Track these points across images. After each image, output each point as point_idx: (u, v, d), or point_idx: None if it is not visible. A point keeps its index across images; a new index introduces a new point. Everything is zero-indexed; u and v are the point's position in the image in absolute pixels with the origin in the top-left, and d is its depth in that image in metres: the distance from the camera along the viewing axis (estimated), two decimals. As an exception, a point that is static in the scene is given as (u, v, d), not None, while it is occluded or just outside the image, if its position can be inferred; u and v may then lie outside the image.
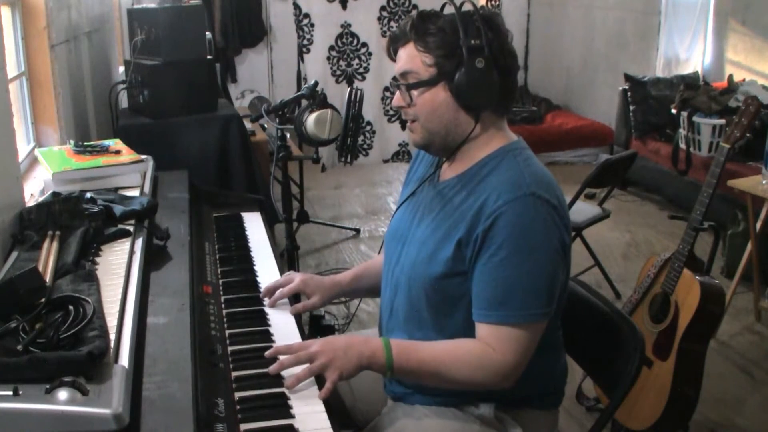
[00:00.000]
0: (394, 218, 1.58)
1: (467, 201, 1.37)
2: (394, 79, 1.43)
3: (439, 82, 1.36)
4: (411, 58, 1.37)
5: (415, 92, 1.38)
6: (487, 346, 1.33)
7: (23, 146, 2.33)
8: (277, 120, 2.31)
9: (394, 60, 1.43)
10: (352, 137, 2.45)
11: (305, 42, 4.12)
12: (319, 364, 1.31)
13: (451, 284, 1.38)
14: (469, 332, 1.38)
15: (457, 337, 1.40)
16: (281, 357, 1.35)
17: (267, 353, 1.37)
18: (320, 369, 1.31)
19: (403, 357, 1.34)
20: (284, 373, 1.34)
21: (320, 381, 1.33)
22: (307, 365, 1.32)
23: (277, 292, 1.64)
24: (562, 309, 1.47)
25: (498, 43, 1.36)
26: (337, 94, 4.08)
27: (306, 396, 1.30)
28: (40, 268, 1.32)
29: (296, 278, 1.66)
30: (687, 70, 5.27)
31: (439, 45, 1.34)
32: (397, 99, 1.42)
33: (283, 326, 1.56)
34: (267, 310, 1.62)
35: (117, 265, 1.46)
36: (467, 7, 1.37)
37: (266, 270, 1.84)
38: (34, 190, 1.96)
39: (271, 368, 1.33)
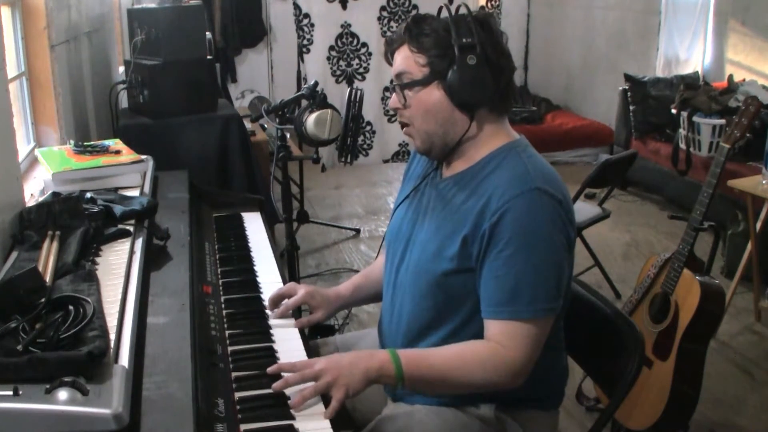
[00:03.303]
0: (394, 218, 1.58)
1: (471, 198, 1.37)
2: (392, 82, 1.45)
3: (432, 81, 1.37)
4: (405, 59, 1.39)
5: (409, 93, 1.39)
6: (497, 345, 1.32)
7: (23, 146, 2.33)
8: (277, 120, 2.31)
9: (391, 64, 1.45)
10: (352, 137, 2.45)
11: (305, 42, 4.12)
12: (324, 383, 1.28)
13: (455, 281, 1.38)
14: (473, 330, 1.38)
15: (460, 335, 1.40)
16: (285, 374, 1.32)
17: (270, 370, 1.33)
18: (326, 387, 1.28)
19: (413, 366, 1.32)
20: (289, 391, 1.30)
21: (325, 397, 1.29)
22: (312, 383, 1.28)
23: (282, 306, 1.62)
24: (565, 309, 1.47)
25: (491, 42, 1.36)
26: (337, 94, 4.08)
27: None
28: (40, 268, 1.32)
29: (300, 290, 1.63)
30: (687, 70, 5.27)
31: (433, 45, 1.36)
32: (394, 101, 1.44)
33: (282, 327, 1.56)
34: (267, 310, 1.62)
35: (117, 265, 1.46)
36: (462, 11, 1.39)
37: (266, 270, 1.84)
38: (34, 190, 1.96)
39: (275, 385, 1.29)
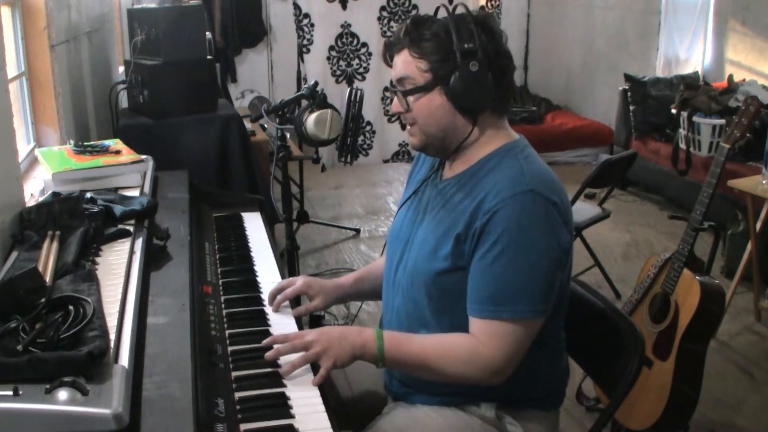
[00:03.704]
0: (395, 219, 1.59)
1: (467, 198, 1.38)
2: (392, 84, 1.44)
3: (434, 87, 1.37)
4: (406, 64, 1.38)
5: (411, 98, 1.39)
6: (477, 342, 1.33)
7: (23, 146, 2.33)
8: (277, 120, 2.31)
9: (390, 66, 1.44)
10: (352, 137, 2.45)
11: (305, 42, 4.12)
12: (314, 352, 1.34)
13: (451, 280, 1.38)
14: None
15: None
16: (277, 345, 1.38)
17: (264, 341, 1.40)
18: (315, 357, 1.34)
19: (394, 348, 1.37)
20: (281, 360, 1.37)
21: (316, 371, 1.36)
22: (302, 353, 1.35)
23: (280, 295, 1.63)
24: (565, 310, 1.47)
25: (492, 45, 1.36)
26: (337, 94, 4.08)
27: (306, 396, 1.30)
28: (40, 268, 1.32)
29: (298, 281, 1.66)
30: (687, 70, 5.27)
31: (434, 50, 1.35)
32: (395, 105, 1.44)
33: (283, 326, 1.56)
34: (267, 310, 1.62)
35: (117, 265, 1.46)
36: (460, 10, 1.37)
37: (266, 270, 1.84)
38: (34, 190, 1.96)
39: (268, 354, 1.36)
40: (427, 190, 1.51)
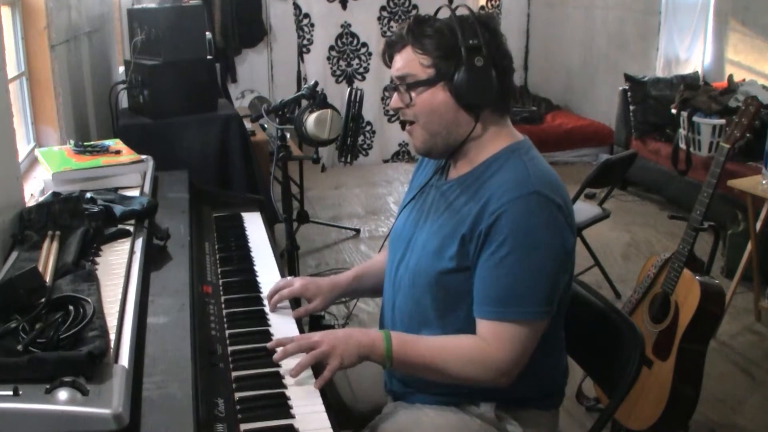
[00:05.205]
0: (398, 219, 1.59)
1: (471, 201, 1.38)
2: (391, 82, 1.44)
3: (438, 82, 1.37)
4: (408, 61, 1.39)
5: (413, 93, 1.39)
6: (484, 343, 1.34)
7: (23, 146, 2.33)
8: (277, 120, 2.31)
9: (389, 66, 1.45)
10: (352, 137, 2.44)
11: (305, 42, 4.12)
12: (320, 352, 1.34)
13: (455, 280, 1.38)
14: (472, 330, 1.38)
15: (461, 333, 1.40)
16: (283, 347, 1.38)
17: (269, 344, 1.40)
18: (322, 356, 1.34)
19: (402, 349, 1.36)
20: (286, 365, 1.37)
21: (318, 375, 1.35)
22: (309, 353, 1.34)
23: (276, 295, 1.63)
24: (565, 310, 1.47)
25: (495, 43, 1.37)
26: (337, 94, 4.08)
27: (306, 395, 1.30)
28: (40, 268, 1.32)
29: (296, 282, 1.66)
30: (687, 70, 5.27)
31: (437, 46, 1.36)
32: (395, 101, 1.44)
33: (283, 326, 1.56)
34: (267, 310, 1.62)
35: (117, 265, 1.46)
36: (463, 10, 1.39)
37: (266, 270, 1.84)
38: (34, 190, 1.96)
39: (276, 356, 1.36)
40: (431, 192, 1.51)
